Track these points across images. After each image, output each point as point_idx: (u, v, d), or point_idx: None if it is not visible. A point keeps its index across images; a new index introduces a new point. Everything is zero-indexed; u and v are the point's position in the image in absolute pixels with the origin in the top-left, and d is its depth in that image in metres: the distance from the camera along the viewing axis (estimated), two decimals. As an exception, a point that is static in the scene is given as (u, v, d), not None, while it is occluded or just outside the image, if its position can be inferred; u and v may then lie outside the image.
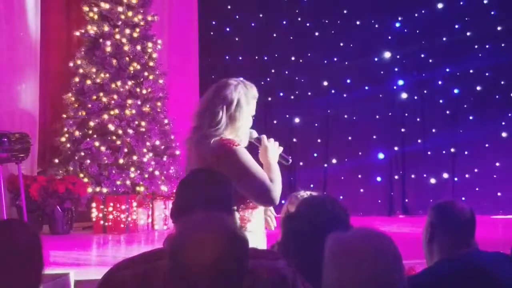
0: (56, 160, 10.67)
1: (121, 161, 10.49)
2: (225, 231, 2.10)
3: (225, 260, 2.05)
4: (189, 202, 2.84)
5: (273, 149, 4.03)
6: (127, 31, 10.87)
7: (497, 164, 12.64)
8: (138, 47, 10.89)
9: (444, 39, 12.68)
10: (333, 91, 12.83)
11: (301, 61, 12.79)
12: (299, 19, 12.87)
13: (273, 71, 12.77)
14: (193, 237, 2.06)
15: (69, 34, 11.65)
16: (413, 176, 12.83)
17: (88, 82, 10.69)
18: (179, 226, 2.16)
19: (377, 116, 12.80)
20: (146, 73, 10.92)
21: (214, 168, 3.67)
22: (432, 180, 12.73)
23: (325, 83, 12.82)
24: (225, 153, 3.81)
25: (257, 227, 3.91)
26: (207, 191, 2.90)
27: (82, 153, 10.49)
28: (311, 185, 12.06)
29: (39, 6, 10.97)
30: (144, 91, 10.84)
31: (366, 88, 12.69)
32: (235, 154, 3.82)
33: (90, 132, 10.63)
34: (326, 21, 12.85)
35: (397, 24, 12.89)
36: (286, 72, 12.77)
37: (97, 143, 10.47)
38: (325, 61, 12.73)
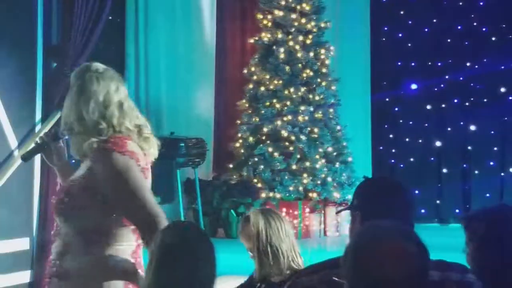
0: (231, 165, 10.88)
1: (293, 167, 10.56)
2: (414, 242, 2.00)
3: (417, 272, 1.95)
4: (376, 208, 2.77)
5: None
6: (300, 38, 10.94)
7: None
8: (311, 54, 10.94)
9: None
10: (510, 98, 12.34)
11: (476, 67, 12.39)
12: (475, 23, 12.48)
13: (447, 77, 12.44)
14: (384, 247, 1.96)
15: (243, 42, 11.87)
16: None
17: (262, 88, 10.85)
18: (362, 234, 2.08)
19: (558, 123, 12.21)
20: (318, 80, 10.95)
21: None
22: None
23: (502, 90, 12.35)
24: None
25: (123, 251, 3.09)
26: (396, 200, 2.83)
27: (256, 159, 10.64)
28: (487, 195, 11.72)
29: (215, 14, 11.26)
30: (316, 98, 10.86)
31: (547, 94, 12.15)
32: None
33: (263, 138, 10.77)
34: (504, 26, 12.39)
35: None
36: (461, 78, 12.40)
37: (270, 149, 10.59)
38: (502, 67, 12.25)
